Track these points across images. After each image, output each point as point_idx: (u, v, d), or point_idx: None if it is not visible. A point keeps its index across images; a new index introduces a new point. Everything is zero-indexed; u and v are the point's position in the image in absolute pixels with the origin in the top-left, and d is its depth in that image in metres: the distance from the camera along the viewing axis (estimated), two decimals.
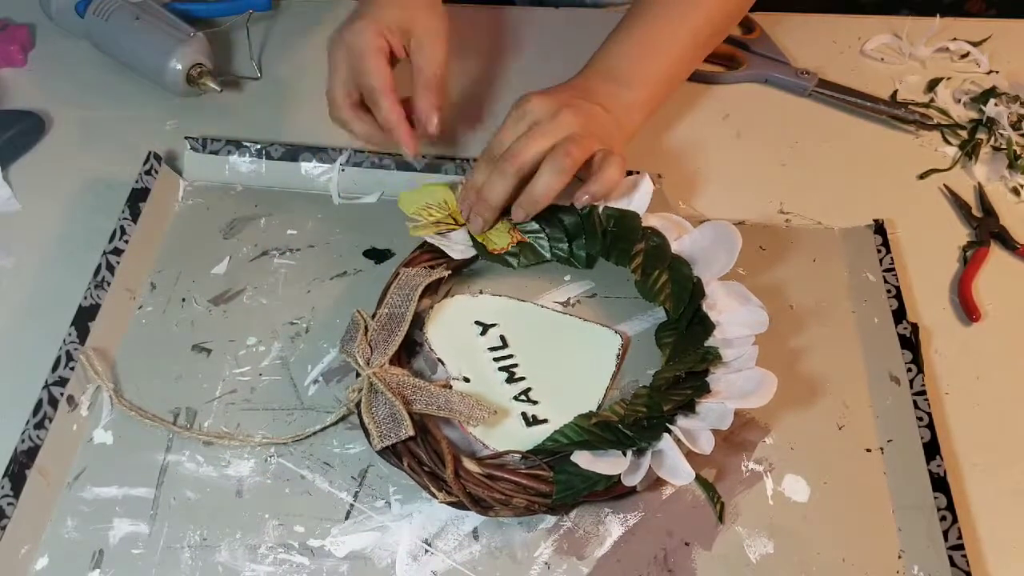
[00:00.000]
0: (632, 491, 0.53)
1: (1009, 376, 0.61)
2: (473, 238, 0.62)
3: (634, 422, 0.53)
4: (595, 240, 0.61)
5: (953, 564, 0.50)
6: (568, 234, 0.62)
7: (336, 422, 0.56)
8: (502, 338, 0.60)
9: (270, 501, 0.53)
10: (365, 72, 0.62)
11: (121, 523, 0.52)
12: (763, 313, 0.56)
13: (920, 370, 0.58)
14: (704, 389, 0.54)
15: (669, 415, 0.53)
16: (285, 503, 0.53)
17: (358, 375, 0.55)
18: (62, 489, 0.54)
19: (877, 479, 0.55)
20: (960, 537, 0.51)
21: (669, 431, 0.52)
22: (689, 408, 0.54)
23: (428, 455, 0.52)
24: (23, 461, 0.52)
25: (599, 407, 0.57)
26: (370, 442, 0.53)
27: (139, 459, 0.55)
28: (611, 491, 0.52)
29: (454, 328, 0.60)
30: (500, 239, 0.62)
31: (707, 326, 0.57)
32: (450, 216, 0.63)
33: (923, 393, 0.57)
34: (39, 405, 0.54)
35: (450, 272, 0.62)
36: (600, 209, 0.62)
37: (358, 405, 0.54)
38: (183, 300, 0.63)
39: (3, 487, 0.51)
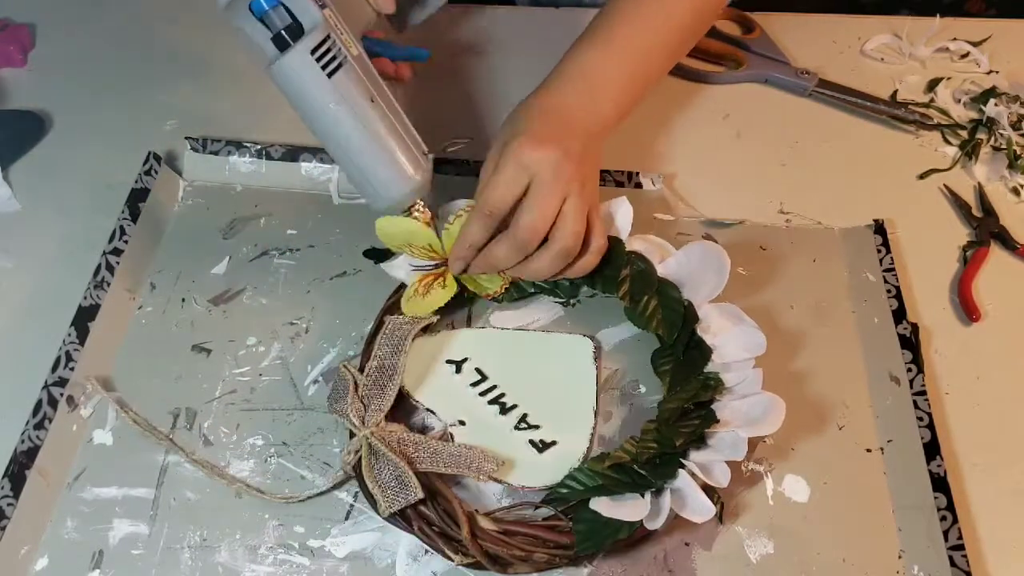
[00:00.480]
0: (652, 534, 0.52)
1: (1009, 376, 0.61)
2: (461, 283, 0.60)
3: (647, 460, 0.52)
4: None
5: (953, 564, 0.50)
6: None
7: (332, 488, 0.54)
8: (478, 371, 0.59)
9: (270, 501, 0.53)
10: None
11: (121, 524, 0.52)
12: (759, 334, 0.55)
13: (920, 370, 0.58)
14: (712, 419, 0.53)
15: (682, 449, 0.52)
16: (285, 504, 0.53)
17: (352, 435, 0.53)
18: (62, 490, 0.54)
19: (877, 479, 0.55)
20: (960, 537, 0.51)
21: (683, 466, 0.52)
22: (700, 440, 0.53)
23: (439, 516, 0.50)
24: (23, 461, 0.52)
25: (595, 413, 0.57)
26: (376, 509, 0.51)
27: (139, 459, 0.55)
28: (634, 537, 0.51)
29: (428, 373, 0.58)
30: (491, 284, 0.60)
31: (704, 351, 0.56)
32: (435, 259, 0.60)
33: (923, 393, 0.57)
34: (39, 405, 0.54)
35: (439, 316, 0.59)
36: None
37: (355, 467, 0.52)
38: (183, 300, 0.63)
39: (3, 487, 0.51)
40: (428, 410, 0.57)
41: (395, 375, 0.55)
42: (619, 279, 0.60)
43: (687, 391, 0.55)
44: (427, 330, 0.60)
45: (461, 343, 0.60)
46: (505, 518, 0.51)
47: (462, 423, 0.56)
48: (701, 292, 0.58)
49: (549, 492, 0.53)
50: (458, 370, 0.59)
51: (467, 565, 0.50)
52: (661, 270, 0.60)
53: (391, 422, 0.54)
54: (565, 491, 0.52)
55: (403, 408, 0.57)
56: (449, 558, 0.50)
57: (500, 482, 0.53)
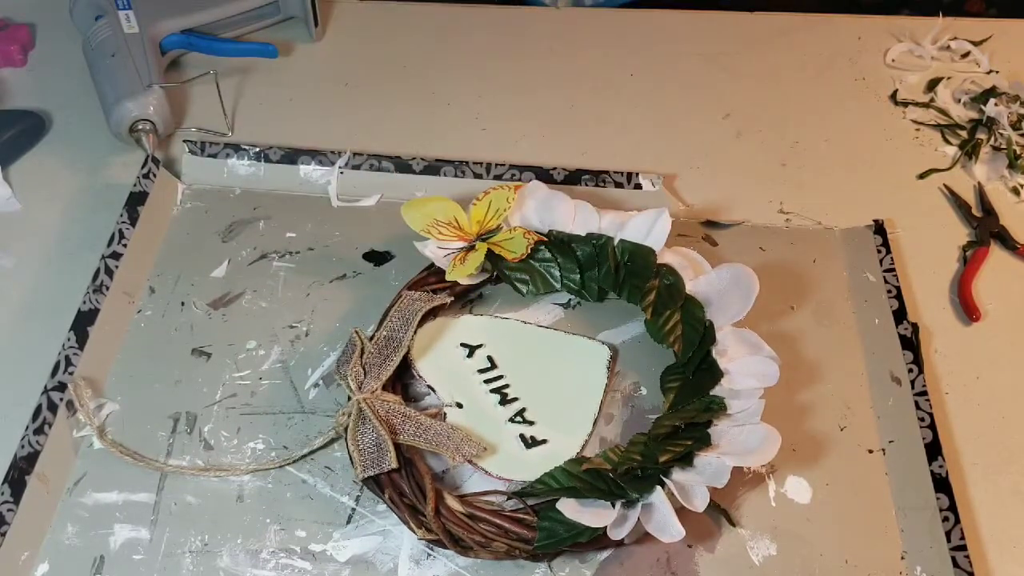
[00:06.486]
0: (620, 543, 0.51)
1: (1009, 376, 0.60)
2: (491, 251, 0.60)
3: (627, 471, 0.51)
4: (608, 273, 0.60)
5: (956, 565, 0.50)
6: (580, 266, 0.60)
7: (324, 445, 0.55)
8: (490, 359, 0.59)
9: (272, 506, 0.53)
10: None
11: (122, 529, 0.52)
12: (774, 365, 0.54)
13: (920, 370, 0.58)
14: (705, 442, 0.52)
15: (664, 467, 0.51)
16: (287, 508, 0.53)
17: (349, 398, 0.54)
18: (62, 495, 0.53)
19: (879, 480, 0.55)
20: (963, 538, 0.51)
21: (663, 484, 0.50)
22: (686, 461, 0.51)
23: (411, 488, 0.51)
24: (23, 467, 0.52)
25: (595, 421, 0.56)
26: (354, 469, 0.52)
27: (139, 464, 0.55)
28: (596, 543, 0.50)
29: (440, 352, 0.59)
30: (517, 246, 0.60)
31: (715, 373, 0.55)
32: (461, 238, 0.61)
33: (924, 393, 0.56)
34: (38, 410, 0.54)
35: (453, 298, 0.60)
36: (616, 241, 0.60)
37: (346, 429, 0.53)
38: (182, 304, 0.63)
39: (3, 493, 0.51)
40: (429, 387, 0.57)
41: (400, 347, 0.56)
42: (645, 290, 0.59)
43: (687, 411, 0.54)
44: (446, 311, 0.61)
45: (480, 329, 0.61)
46: (474, 502, 0.52)
47: (459, 405, 0.56)
48: (726, 314, 0.57)
49: (524, 486, 0.52)
50: (470, 354, 0.59)
51: (430, 541, 0.51)
52: (691, 287, 0.59)
53: (389, 392, 0.55)
54: (539, 487, 0.52)
55: (410, 383, 0.58)
56: (413, 530, 0.51)
57: (476, 467, 0.53)
